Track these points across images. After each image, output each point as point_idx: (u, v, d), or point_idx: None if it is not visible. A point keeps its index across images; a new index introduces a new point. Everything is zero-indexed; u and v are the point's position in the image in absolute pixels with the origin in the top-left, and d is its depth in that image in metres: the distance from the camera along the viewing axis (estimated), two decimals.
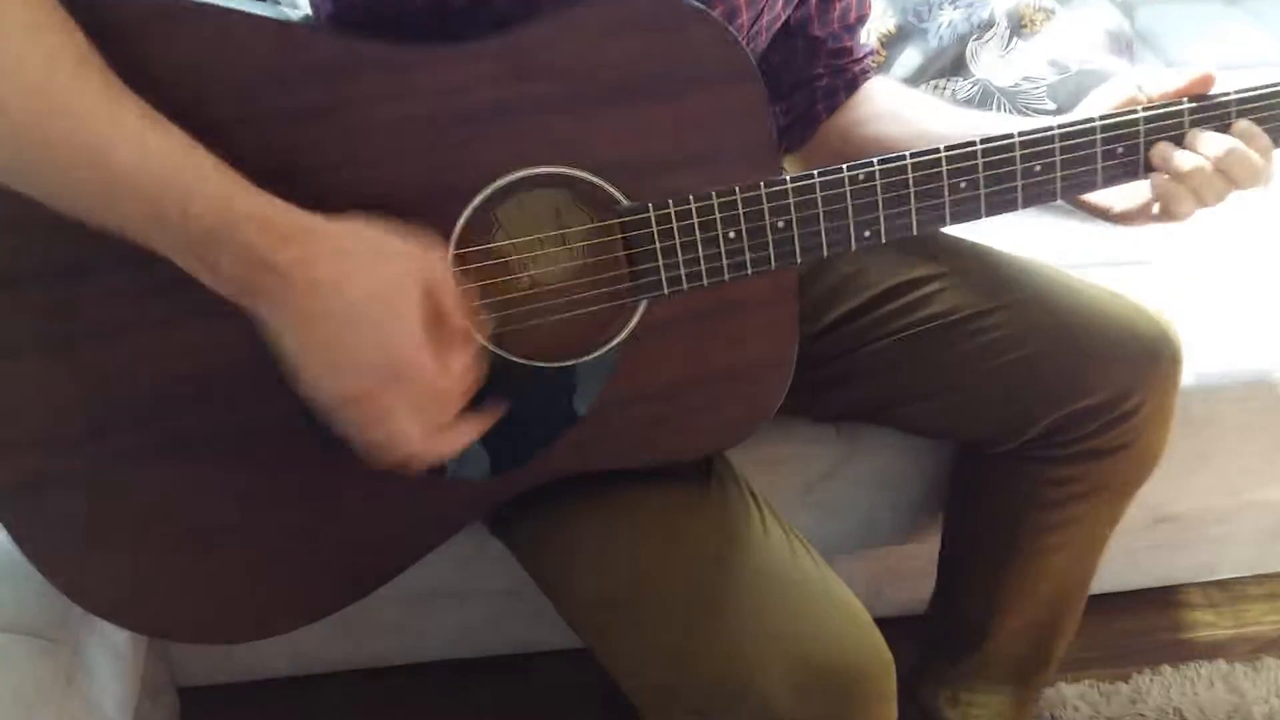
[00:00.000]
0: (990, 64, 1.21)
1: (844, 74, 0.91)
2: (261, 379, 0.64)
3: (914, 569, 1.11)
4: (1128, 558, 1.25)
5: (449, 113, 0.62)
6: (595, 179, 0.65)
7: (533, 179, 0.65)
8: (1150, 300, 0.89)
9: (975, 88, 1.20)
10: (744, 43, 0.78)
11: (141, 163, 0.52)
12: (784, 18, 0.82)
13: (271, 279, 0.54)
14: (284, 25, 0.61)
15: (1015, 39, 1.22)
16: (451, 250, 0.64)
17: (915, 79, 1.21)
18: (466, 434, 0.62)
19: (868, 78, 0.92)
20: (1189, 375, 0.99)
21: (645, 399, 0.71)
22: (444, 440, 0.61)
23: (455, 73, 0.62)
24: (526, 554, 0.80)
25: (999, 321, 0.84)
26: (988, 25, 1.21)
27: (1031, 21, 1.22)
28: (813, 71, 0.90)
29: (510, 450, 0.71)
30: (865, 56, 0.92)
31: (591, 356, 0.69)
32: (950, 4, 1.22)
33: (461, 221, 0.64)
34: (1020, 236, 1.14)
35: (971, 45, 1.21)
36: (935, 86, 1.21)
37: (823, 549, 1.05)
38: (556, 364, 0.69)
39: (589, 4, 0.64)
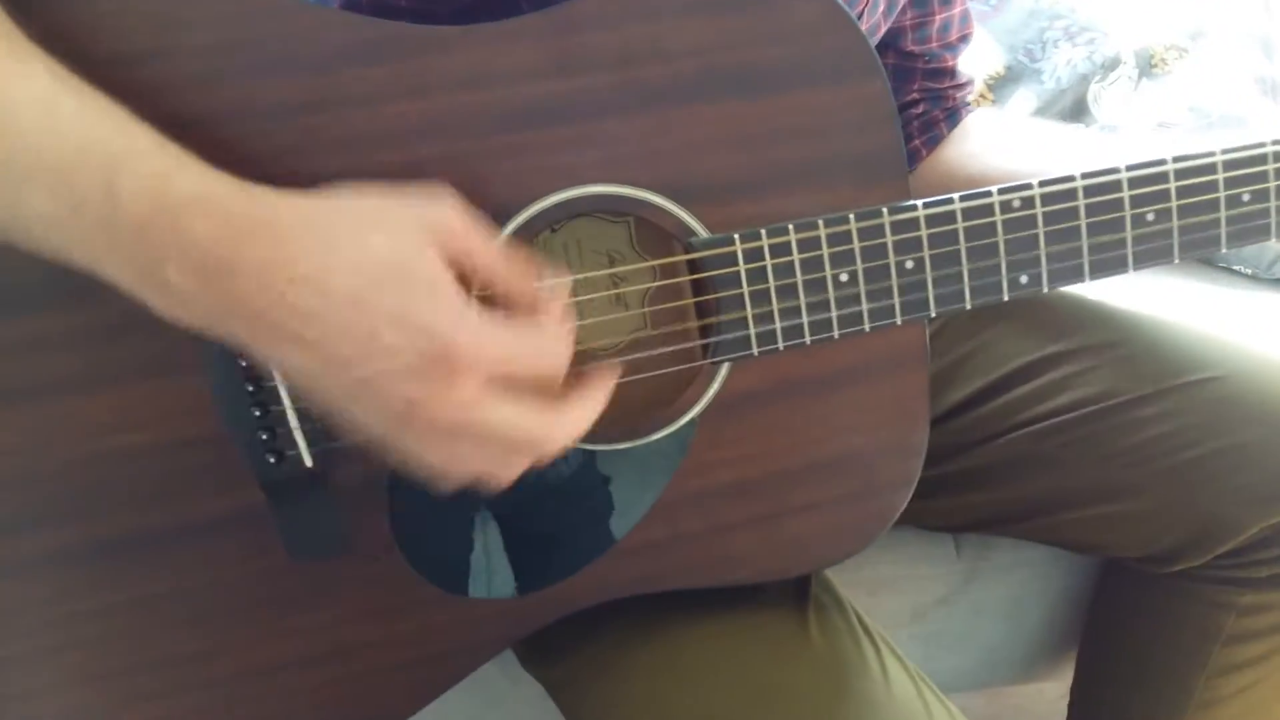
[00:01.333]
0: (1116, 107, 1.04)
1: (944, 102, 0.75)
2: (217, 464, 0.48)
3: (1042, 713, 0.91)
4: None
5: (474, 113, 0.47)
6: (663, 202, 0.49)
7: (581, 204, 0.49)
8: None
9: (1101, 133, 1.03)
10: None
11: (52, 129, 0.38)
12: (883, 29, 0.67)
13: (236, 289, 0.39)
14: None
15: (1144, 80, 1.05)
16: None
17: None
18: (587, 402, 0.44)
19: (970, 109, 0.76)
20: None
21: (725, 496, 0.54)
22: (563, 416, 0.43)
23: (484, 61, 0.47)
24: (567, 700, 0.62)
25: (1173, 408, 0.65)
26: (1113, 65, 1.05)
27: (1163, 61, 1.06)
28: (907, 98, 0.75)
29: (549, 560, 0.54)
30: (967, 84, 0.76)
31: (655, 437, 0.52)
32: (1068, 40, 1.06)
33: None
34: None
35: (1094, 87, 1.05)
36: None
37: (955, 684, 0.87)
38: (609, 446, 0.52)
39: None
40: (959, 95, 0.76)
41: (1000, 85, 1.06)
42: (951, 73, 0.75)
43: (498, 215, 0.48)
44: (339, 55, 0.46)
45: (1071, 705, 0.81)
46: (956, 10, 0.73)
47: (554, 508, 0.52)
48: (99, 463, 0.49)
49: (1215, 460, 0.64)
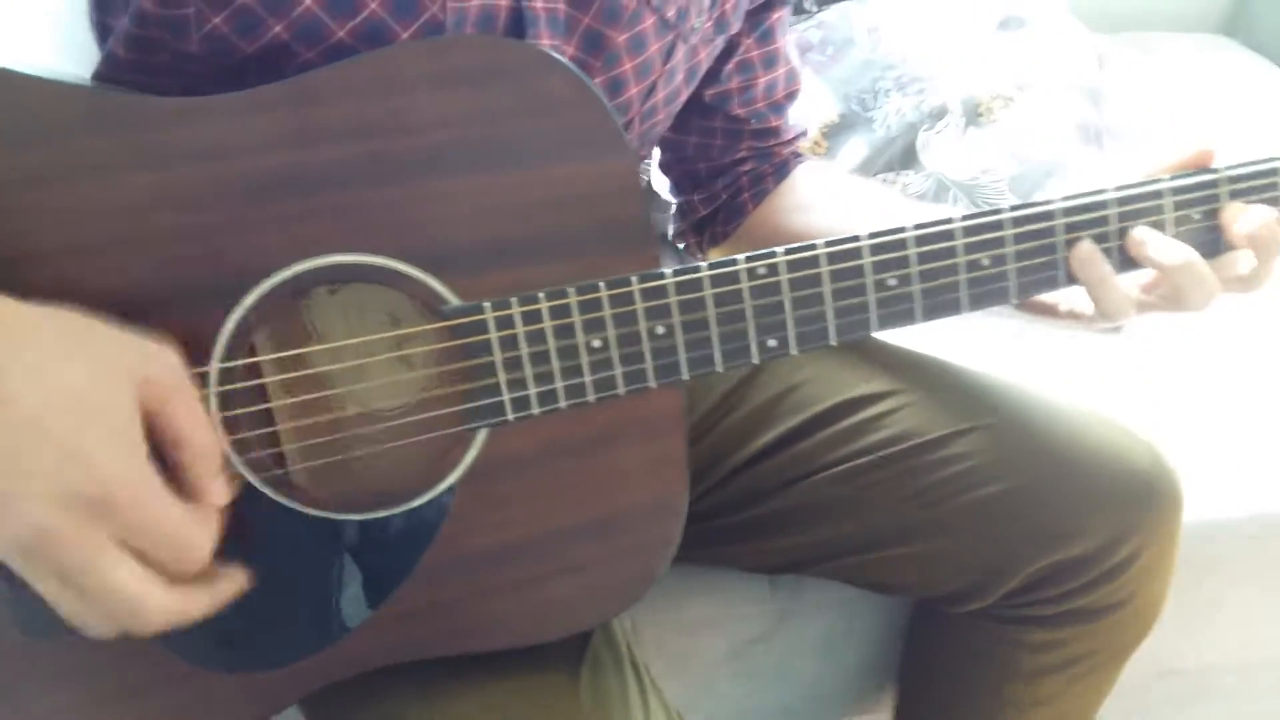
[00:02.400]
0: (943, 155, 1.08)
1: (772, 158, 0.77)
2: None
3: None
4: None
5: (213, 184, 0.47)
6: (412, 270, 0.50)
7: (335, 271, 0.49)
8: (1139, 427, 0.74)
9: (928, 181, 1.07)
10: (636, 123, 0.64)
11: None
12: (686, 94, 0.69)
13: None
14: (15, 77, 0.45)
15: (971, 128, 1.09)
16: (216, 364, 0.48)
17: (861, 171, 1.08)
18: (216, 590, 0.45)
19: (800, 161, 0.79)
20: (1187, 513, 0.84)
21: (485, 561, 0.54)
22: (183, 597, 0.43)
23: (222, 132, 0.47)
24: None
25: (967, 450, 0.68)
26: (940, 114, 1.09)
27: (989, 109, 1.10)
28: (735, 156, 0.77)
29: (302, 633, 0.53)
30: (795, 138, 0.79)
31: (413, 504, 0.52)
32: (898, 91, 1.10)
33: (229, 325, 0.48)
34: (972, 347, 0.99)
35: (923, 135, 1.08)
36: (884, 180, 1.08)
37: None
38: (366, 515, 0.52)
39: (397, 47, 0.50)
40: (786, 151, 0.78)
41: (834, 133, 1.10)
42: (777, 131, 0.77)
43: (237, 285, 0.48)
44: (69, 126, 0.46)
45: None
46: (781, 71, 0.75)
47: (308, 577, 0.52)
48: None
49: (997, 503, 0.67)
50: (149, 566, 0.41)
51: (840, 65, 1.13)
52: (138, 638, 0.43)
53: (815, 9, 1.19)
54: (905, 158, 1.08)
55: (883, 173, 1.08)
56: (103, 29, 0.56)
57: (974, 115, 1.10)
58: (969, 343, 0.97)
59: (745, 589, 0.81)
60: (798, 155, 0.78)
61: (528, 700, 0.56)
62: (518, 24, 0.55)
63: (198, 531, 0.42)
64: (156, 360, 0.42)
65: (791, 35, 1.13)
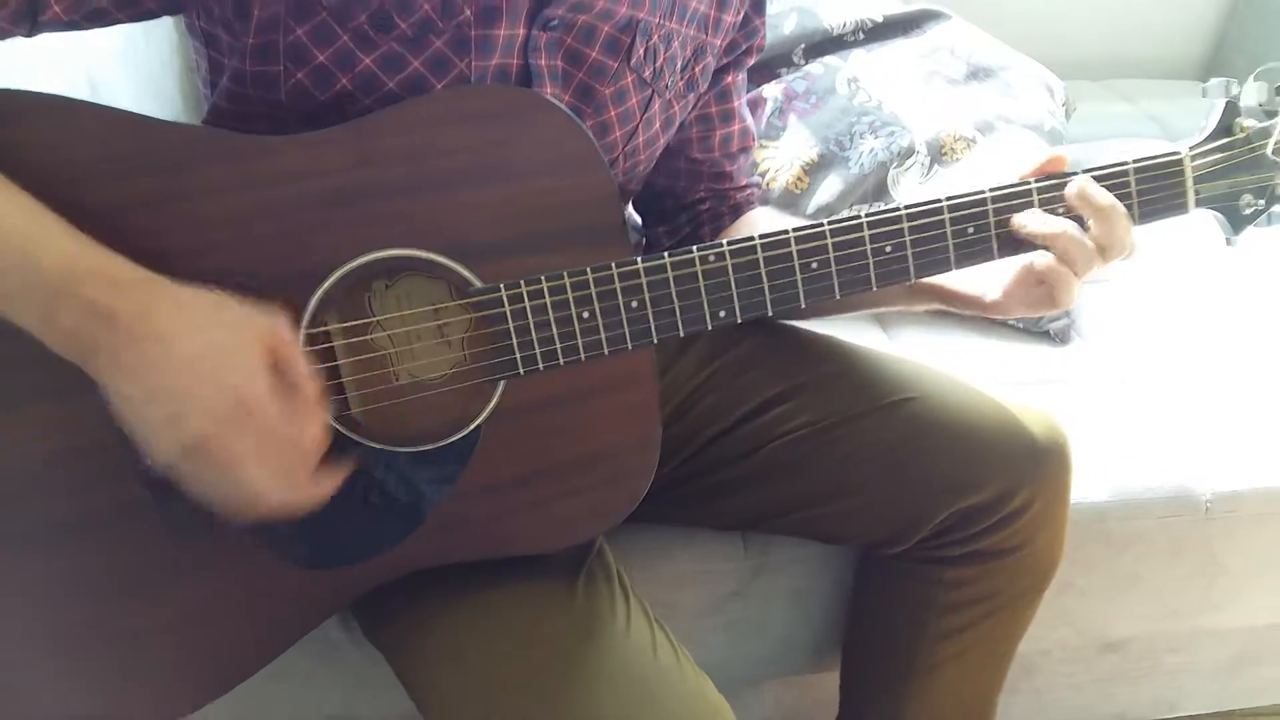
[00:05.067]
0: (911, 190, 1.24)
1: (727, 200, 0.93)
2: (105, 463, 0.64)
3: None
4: (1077, 693, 1.19)
5: (296, 199, 0.64)
6: (446, 260, 0.66)
7: (393, 263, 0.66)
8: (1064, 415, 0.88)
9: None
10: (621, 160, 0.81)
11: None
12: (664, 140, 0.85)
13: (108, 332, 0.55)
14: (129, 117, 0.63)
15: (936, 166, 1.25)
16: (304, 330, 0.65)
17: (837, 205, 1.24)
18: (322, 485, 0.61)
19: (752, 206, 0.95)
20: (1106, 492, 0.98)
21: (506, 486, 0.70)
22: (299, 489, 0.60)
23: (301, 160, 0.64)
24: (394, 657, 0.77)
25: (888, 419, 0.83)
26: (908, 153, 1.25)
27: (952, 150, 1.26)
28: (695, 196, 0.93)
29: (369, 538, 0.70)
30: (748, 186, 0.95)
31: (448, 441, 0.69)
32: (871, 133, 1.26)
33: (313, 304, 0.65)
34: (945, 355, 1.14)
35: (893, 172, 1.24)
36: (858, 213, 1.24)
37: (742, 675, 1.03)
38: (410, 449, 0.68)
39: (434, 94, 0.68)
40: (740, 195, 0.94)
41: (814, 170, 1.26)
42: (731, 177, 0.93)
43: (319, 273, 0.65)
44: (193, 159, 0.63)
45: (841, 679, 0.97)
46: (735, 128, 0.91)
47: (373, 498, 0.68)
48: (8, 464, 0.64)
49: (911, 462, 0.81)
50: (271, 465, 0.58)
51: (821, 111, 1.30)
52: (261, 523, 0.59)
53: (802, 62, 1.36)
54: (877, 192, 1.24)
55: (856, 204, 1.24)
56: (211, 88, 0.74)
57: (938, 155, 1.25)
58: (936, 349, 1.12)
59: (721, 547, 0.95)
60: (750, 201, 0.94)
61: (537, 598, 0.72)
62: (526, 78, 0.72)
63: (309, 436, 0.59)
64: (271, 321, 0.59)
65: (775, 85, 1.31)
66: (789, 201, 1.26)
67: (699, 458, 0.88)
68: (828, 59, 1.35)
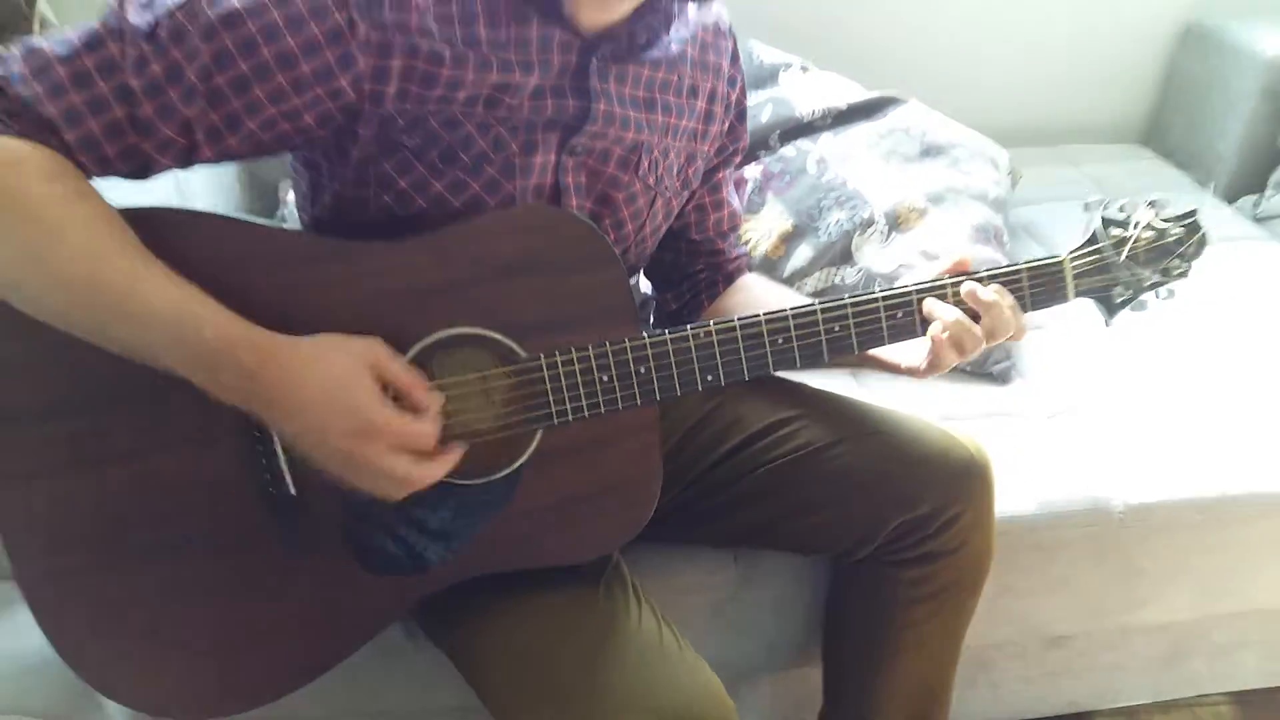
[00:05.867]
0: (872, 255, 1.45)
1: (721, 270, 1.14)
2: (238, 493, 0.84)
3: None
4: (1028, 685, 1.38)
5: (387, 290, 0.85)
6: (499, 336, 0.87)
7: (456, 337, 0.87)
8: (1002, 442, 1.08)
9: (859, 274, 1.44)
10: (633, 247, 1.02)
11: (168, 302, 0.75)
12: (665, 227, 1.06)
13: (258, 385, 0.76)
14: (266, 228, 0.85)
15: (894, 233, 1.46)
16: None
17: (809, 269, 1.45)
18: (443, 461, 0.82)
19: (742, 274, 1.16)
20: (1033, 504, 1.18)
21: (541, 511, 0.91)
22: (428, 467, 0.81)
23: (391, 261, 0.85)
24: (458, 655, 0.97)
25: (847, 450, 1.03)
26: (869, 223, 1.46)
27: (908, 219, 1.47)
28: (695, 268, 1.14)
29: (442, 545, 0.89)
30: (738, 257, 1.16)
31: (500, 474, 0.89)
32: (838, 206, 1.47)
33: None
34: (906, 394, 1.35)
35: (856, 239, 1.46)
36: (826, 274, 1.45)
37: (738, 671, 1.22)
38: (470, 481, 0.89)
39: (491, 213, 0.89)
40: (731, 266, 1.15)
41: (789, 239, 1.47)
42: (723, 252, 1.14)
43: (405, 343, 0.85)
44: (304, 260, 0.84)
45: (823, 671, 1.16)
46: (725, 212, 1.13)
47: (436, 521, 0.88)
48: (165, 495, 0.85)
49: (870, 483, 1.02)
50: (404, 454, 0.78)
51: (794, 189, 1.51)
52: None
53: (778, 146, 1.58)
54: (842, 257, 1.45)
55: (825, 268, 1.45)
56: (311, 202, 0.95)
57: (895, 224, 1.47)
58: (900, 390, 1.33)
59: (716, 562, 1.15)
60: (740, 270, 1.15)
61: (568, 601, 0.92)
62: (557, 191, 0.93)
63: (424, 429, 0.80)
64: (369, 345, 0.80)
65: (755, 167, 1.52)
66: (769, 267, 1.47)
67: (698, 483, 1.08)
68: (799, 142, 1.57)
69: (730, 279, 1.15)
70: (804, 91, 1.63)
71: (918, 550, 1.02)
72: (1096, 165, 2.04)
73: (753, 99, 1.60)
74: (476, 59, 0.86)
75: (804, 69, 1.68)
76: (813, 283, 1.45)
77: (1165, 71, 2.16)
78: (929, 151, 1.59)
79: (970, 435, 1.05)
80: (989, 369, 1.41)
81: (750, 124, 1.52)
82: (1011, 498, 1.17)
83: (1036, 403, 1.37)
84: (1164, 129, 2.18)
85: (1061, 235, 1.75)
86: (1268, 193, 1.91)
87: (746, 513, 1.08)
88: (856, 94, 1.64)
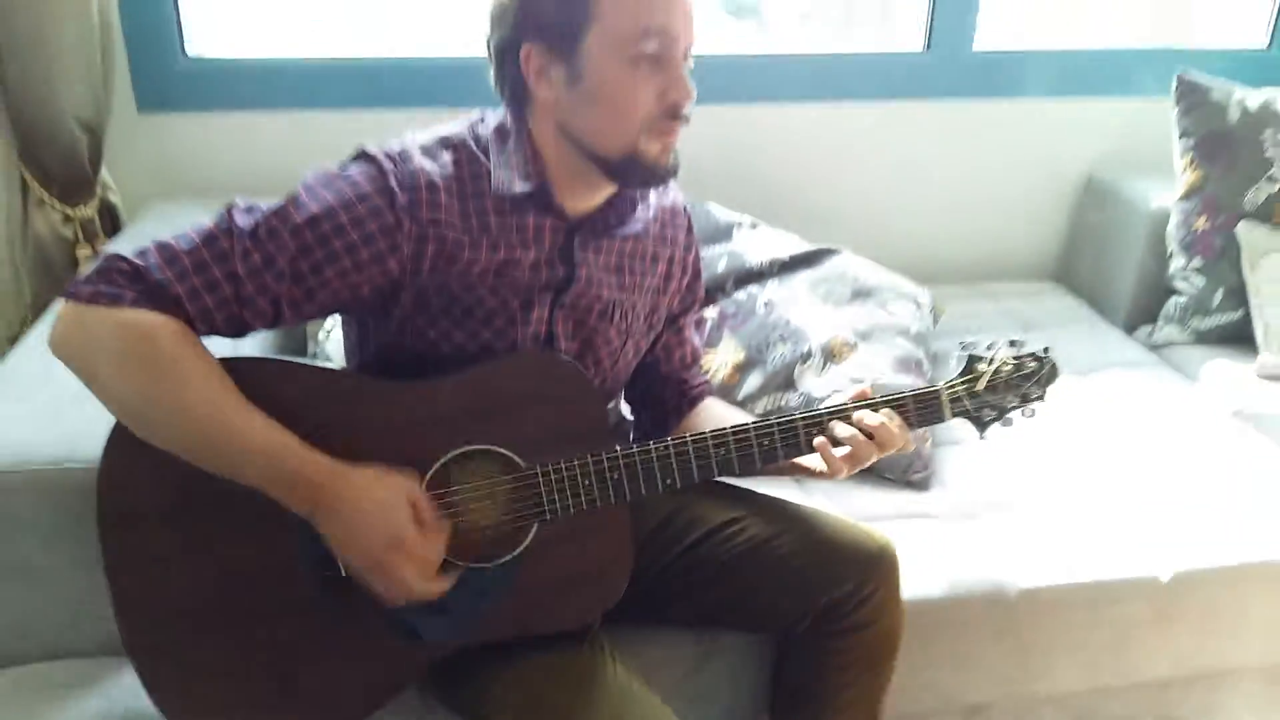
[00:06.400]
0: (811, 382, 1.72)
1: (685, 395, 1.42)
2: (293, 573, 1.09)
3: None
4: None
5: (419, 418, 1.11)
6: (504, 451, 1.13)
7: (471, 452, 1.13)
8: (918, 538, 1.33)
9: (801, 398, 1.71)
10: (610, 379, 1.29)
11: (265, 442, 1.01)
12: (635, 362, 1.34)
13: (319, 502, 1.02)
14: (325, 370, 1.12)
15: (829, 364, 1.74)
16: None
17: (759, 394, 1.72)
18: (444, 582, 1.07)
19: (703, 399, 1.43)
20: (942, 587, 1.43)
21: (535, 588, 1.15)
22: (432, 584, 1.06)
23: (423, 396, 1.12)
24: (466, 709, 1.19)
25: (784, 542, 1.28)
26: (808, 355, 1.74)
27: (840, 353, 1.75)
28: (664, 394, 1.41)
29: (450, 625, 1.13)
30: (700, 384, 1.43)
31: (500, 562, 1.14)
32: (782, 341, 1.76)
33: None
34: (841, 498, 1.60)
35: (797, 369, 1.73)
36: (773, 398, 1.72)
37: None
38: (482, 565, 1.13)
39: (500, 358, 1.16)
40: (694, 392, 1.42)
41: (742, 369, 1.75)
42: (688, 380, 1.41)
43: (432, 458, 1.11)
44: (357, 396, 1.11)
45: None
46: (687, 349, 1.41)
47: (454, 600, 1.12)
48: (244, 573, 1.09)
49: (802, 569, 1.26)
50: (416, 572, 1.03)
51: (746, 326, 1.80)
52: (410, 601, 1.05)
53: (732, 291, 1.87)
54: (786, 383, 1.73)
55: (772, 393, 1.72)
56: (359, 347, 1.22)
57: (830, 356, 1.75)
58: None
59: (679, 639, 1.38)
60: (702, 395, 1.42)
61: (558, 659, 1.15)
62: (551, 335, 1.21)
63: (434, 553, 1.05)
64: (409, 483, 1.06)
65: (713, 309, 1.81)
66: (725, 391, 1.74)
67: (660, 574, 1.32)
68: (750, 288, 1.87)
69: (694, 403, 1.42)
70: (754, 245, 1.94)
71: (841, 624, 1.26)
72: (1013, 300, 2.35)
73: (710, 251, 1.91)
74: (488, 242, 1.14)
75: (754, 225, 1.99)
76: (762, 405, 1.73)
77: (1072, 218, 2.50)
78: (859, 294, 1.89)
79: (880, 529, 1.31)
80: (910, 477, 1.67)
81: (708, 272, 1.83)
82: (925, 583, 1.42)
83: (950, 505, 1.63)
84: (1073, 268, 2.50)
85: None
86: (1159, 324, 2.22)
87: (704, 596, 1.32)
88: (798, 246, 1.95)
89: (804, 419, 1.18)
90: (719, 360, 1.78)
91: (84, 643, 1.27)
